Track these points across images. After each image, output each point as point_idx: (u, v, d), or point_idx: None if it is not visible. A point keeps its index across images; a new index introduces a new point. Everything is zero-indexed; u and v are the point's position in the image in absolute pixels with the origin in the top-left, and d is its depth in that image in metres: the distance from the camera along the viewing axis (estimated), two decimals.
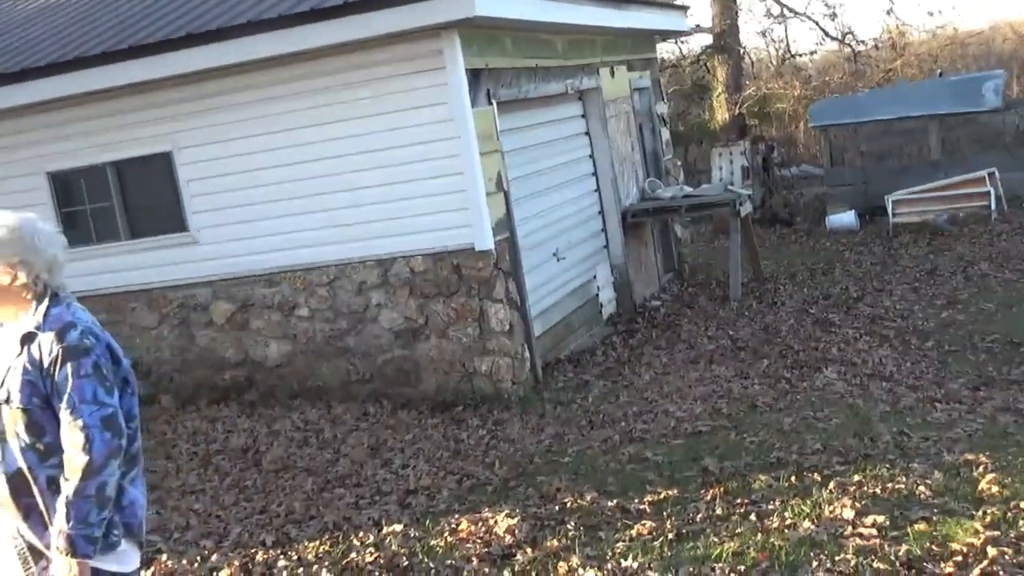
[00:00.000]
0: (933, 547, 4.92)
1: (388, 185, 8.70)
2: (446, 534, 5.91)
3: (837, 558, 4.94)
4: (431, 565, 5.51)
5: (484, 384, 8.71)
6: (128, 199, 9.50)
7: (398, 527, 6.07)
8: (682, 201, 12.09)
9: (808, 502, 5.72)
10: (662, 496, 6.12)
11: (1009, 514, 5.22)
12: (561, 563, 5.32)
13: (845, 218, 16.13)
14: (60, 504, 3.38)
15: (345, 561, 5.66)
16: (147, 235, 9.47)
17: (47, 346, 3.46)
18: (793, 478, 6.12)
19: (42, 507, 3.46)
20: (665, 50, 22.34)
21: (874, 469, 6.08)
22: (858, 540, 5.13)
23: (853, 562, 4.88)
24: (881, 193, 15.67)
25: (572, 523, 5.82)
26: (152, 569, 5.87)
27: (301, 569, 5.62)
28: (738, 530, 5.47)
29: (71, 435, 3.40)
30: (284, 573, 5.58)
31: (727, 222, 12.31)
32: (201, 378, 9.45)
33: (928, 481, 5.79)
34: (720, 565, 5.05)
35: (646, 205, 12.09)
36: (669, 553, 5.32)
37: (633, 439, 7.31)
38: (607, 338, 10.64)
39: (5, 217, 3.56)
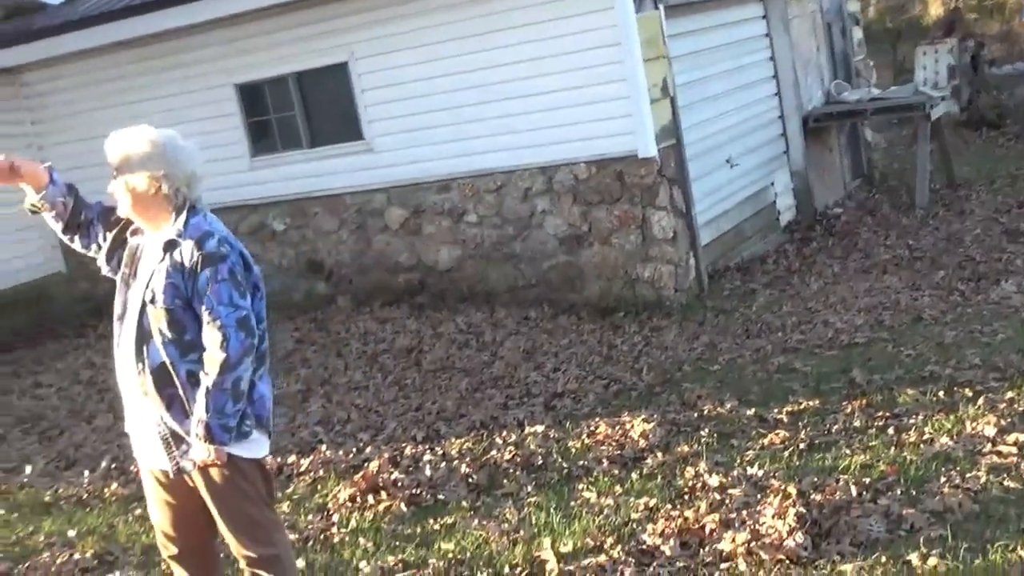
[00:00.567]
0: None
1: (553, 92, 8.76)
2: (584, 436, 6.08)
3: (968, 475, 4.83)
4: (564, 464, 5.69)
5: (646, 291, 8.76)
6: (309, 109, 9.90)
7: (540, 428, 6.28)
8: (868, 104, 11.62)
9: (952, 417, 5.58)
10: (802, 407, 6.09)
11: None
12: (688, 468, 5.41)
13: None
14: (200, 395, 3.68)
15: (485, 458, 5.92)
16: (327, 143, 9.87)
17: (188, 252, 3.73)
18: (942, 393, 5.97)
19: (183, 397, 3.75)
20: None
21: None
22: (994, 458, 5.00)
23: (983, 479, 4.76)
24: None
25: (707, 430, 5.89)
26: (312, 457, 6.29)
27: (444, 463, 5.90)
28: (872, 443, 5.41)
29: (210, 334, 3.68)
30: (427, 467, 5.87)
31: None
32: (377, 280, 9.88)
33: None
34: (846, 477, 5.01)
35: (829, 109, 11.70)
36: (797, 462, 5.32)
37: (786, 349, 7.25)
38: (781, 246, 10.46)
39: (149, 132, 3.83)
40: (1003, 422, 5.37)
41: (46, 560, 5.32)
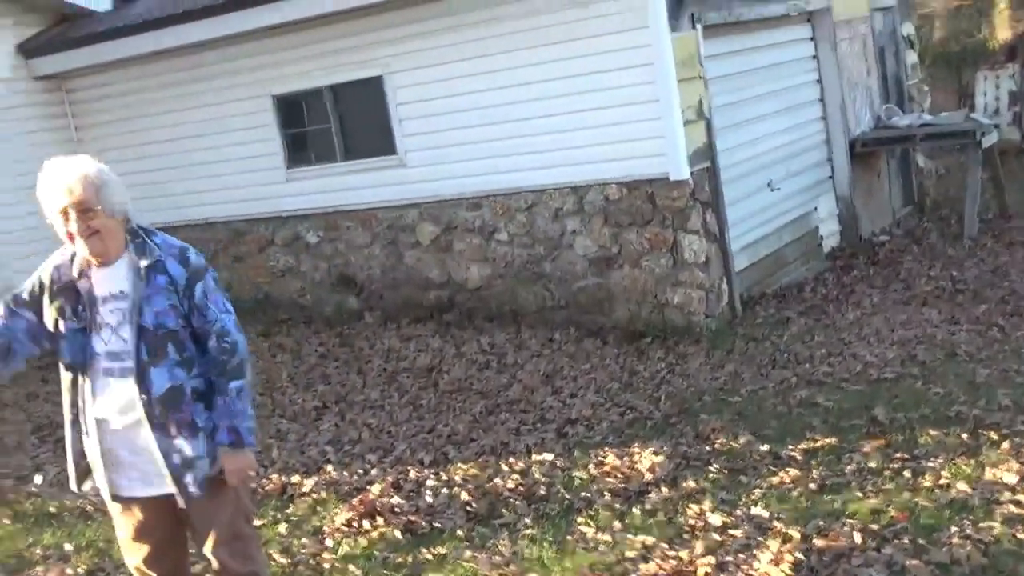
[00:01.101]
0: None
1: (585, 111, 8.62)
2: (591, 466, 5.92)
3: (981, 524, 4.61)
4: (566, 496, 5.55)
5: (675, 316, 8.57)
6: (344, 122, 9.86)
7: (548, 456, 6.13)
8: (918, 130, 11.31)
9: (972, 462, 5.34)
10: (818, 444, 5.88)
11: None
12: (692, 504, 5.24)
13: None
14: (220, 404, 3.72)
15: (488, 485, 5.79)
16: (360, 157, 9.81)
17: (176, 269, 3.73)
18: (966, 435, 5.72)
19: (190, 419, 3.75)
20: None
21: None
22: (1011, 507, 4.77)
23: (997, 530, 4.55)
24: None
25: (716, 465, 5.70)
26: (316, 478, 6.21)
27: (445, 489, 5.79)
28: (886, 486, 5.20)
29: (219, 343, 3.73)
30: (429, 492, 5.76)
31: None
32: (408, 296, 9.80)
33: None
34: (852, 522, 4.82)
35: (878, 134, 11.40)
36: (805, 504, 5.12)
37: (811, 382, 7.02)
38: (821, 273, 10.20)
39: (93, 162, 3.73)
40: None
41: (39, 573, 5.30)
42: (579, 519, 5.27)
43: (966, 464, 5.33)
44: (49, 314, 3.75)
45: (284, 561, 5.17)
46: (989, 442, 5.59)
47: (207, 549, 3.86)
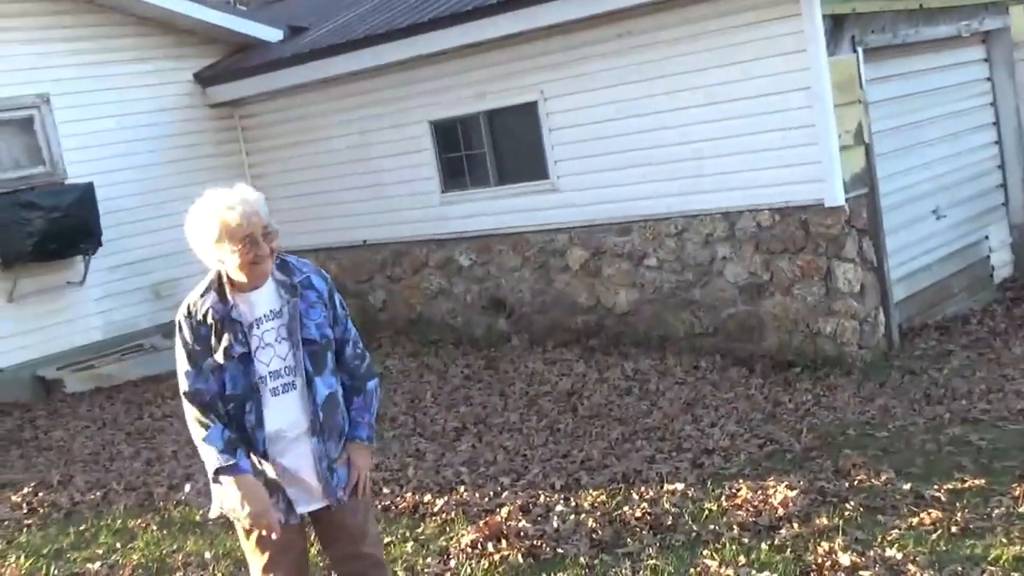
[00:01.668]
0: None
1: (739, 136, 8.48)
2: (723, 498, 5.78)
3: None
4: (693, 527, 5.42)
5: (827, 346, 8.31)
6: (498, 147, 9.98)
7: (680, 486, 6.01)
8: None
9: None
10: (966, 485, 5.59)
11: None
12: (823, 542, 5.04)
13: None
14: (359, 403, 3.97)
15: (616, 513, 5.71)
16: (513, 181, 9.91)
17: (320, 284, 3.94)
18: None
19: (340, 423, 3.94)
20: None
21: None
22: None
23: None
24: None
25: (853, 502, 5.48)
26: (447, 498, 6.26)
27: (573, 516, 5.74)
28: None
29: (355, 349, 3.99)
30: (556, 517, 5.72)
31: None
32: (556, 320, 9.81)
33: None
34: (993, 568, 4.55)
35: None
36: (944, 548, 4.86)
37: (966, 420, 6.68)
38: (990, 305, 9.72)
39: (251, 189, 3.85)
40: None
41: None
42: (704, 552, 5.14)
43: None
44: (218, 353, 3.74)
45: None
46: None
47: (350, 549, 3.99)
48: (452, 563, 5.35)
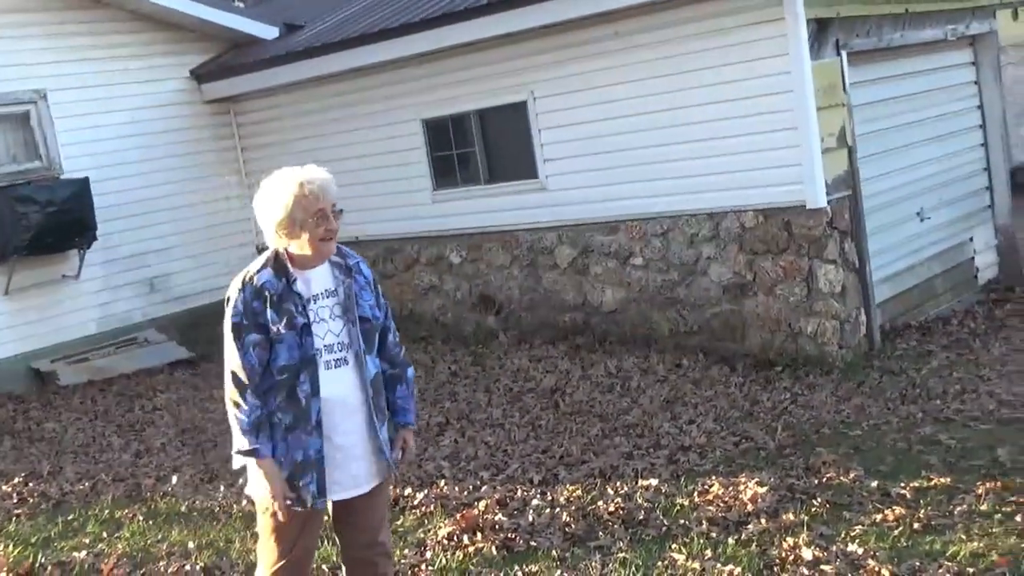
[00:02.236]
0: None
1: (724, 138, 8.59)
2: (695, 494, 5.90)
3: None
4: (664, 522, 5.56)
5: (808, 346, 8.42)
6: (488, 145, 10.12)
7: (655, 481, 6.14)
8: None
9: None
10: (932, 483, 5.71)
11: None
12: (788, 538, 5.17)
13: None
14: (403, 390, 4.18)
15: (591, 508, 5.84)
16: (503, 180, 10.04)
17: (368, 272, 4.15)
18: None
19: (384, 404, 4.12)
20: None
21: None
22: None
23: None
24: None
25: (821, 499, 5.61)
26: (427, 491, 6.39)
27: (548, 509, 5.87)
28: (993, 530, 5.02)
29: (395, 337, 4.21)
30: (532, 511, 5.86)
31: None
32: (544, 317, 9.94)
33: None
34: (950, 564, 4.68)
35: None
36: (905, 544, 4.99)
37: (938, 419, 6.80)
38: (973, 306, 9.83)
39: (323, 170, 4.02)
40: None
41: (161, 568, 5.64)
42: (673, 546, 5.27)
43: None
44: (280, 324, 3.81)
45: None
46: None
47: (369, 536, 4.11)
48: (428, 554, 5.49)
